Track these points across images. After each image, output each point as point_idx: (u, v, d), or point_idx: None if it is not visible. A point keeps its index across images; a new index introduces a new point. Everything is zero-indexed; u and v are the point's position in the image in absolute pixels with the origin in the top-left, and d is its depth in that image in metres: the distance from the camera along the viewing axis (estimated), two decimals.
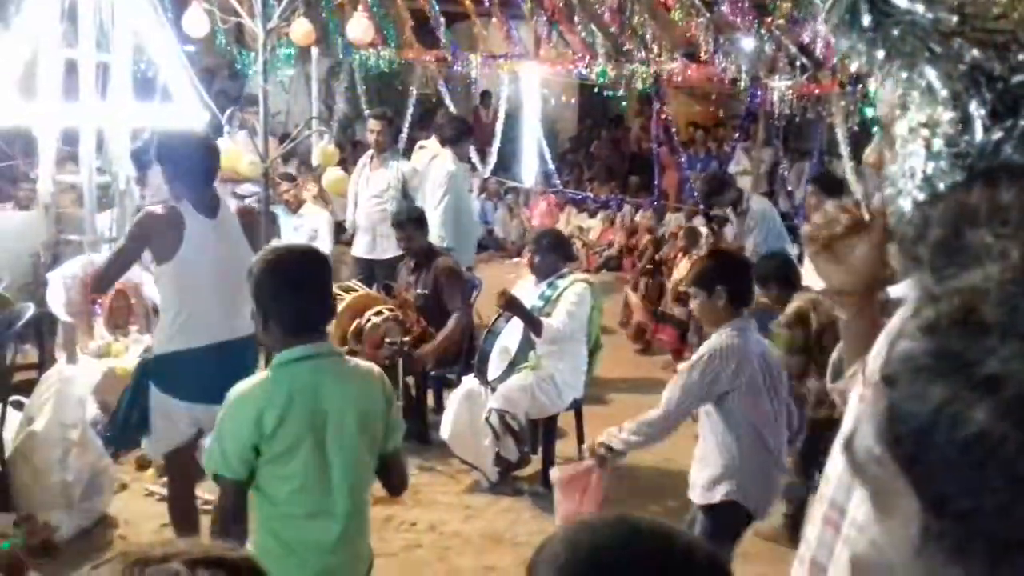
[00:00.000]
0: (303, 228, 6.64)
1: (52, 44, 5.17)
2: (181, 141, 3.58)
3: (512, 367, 4.62)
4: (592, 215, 11.43)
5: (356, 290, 5.20)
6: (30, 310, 4.40)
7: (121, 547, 3.33)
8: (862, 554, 0.92)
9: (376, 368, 2.44)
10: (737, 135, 11.12)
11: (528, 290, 4.76)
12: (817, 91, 8.61)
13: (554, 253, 4.79)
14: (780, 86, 8.70)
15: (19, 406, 4.16)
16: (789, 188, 10.77)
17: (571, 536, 0.93)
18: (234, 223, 3.50)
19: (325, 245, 6.43)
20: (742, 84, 8.96)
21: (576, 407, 4.84)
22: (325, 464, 2.22)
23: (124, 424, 3.51)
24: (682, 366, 3.25)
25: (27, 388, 4.30)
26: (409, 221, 5.32)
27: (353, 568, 2.37)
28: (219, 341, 3.39)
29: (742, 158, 11.01)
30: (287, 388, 2.19)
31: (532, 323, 4.49)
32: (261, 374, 2.28)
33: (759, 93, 9.26)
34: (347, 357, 2.41)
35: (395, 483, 2.47)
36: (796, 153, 11.43)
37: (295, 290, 2.25)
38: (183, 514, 3.56)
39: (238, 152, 5.93)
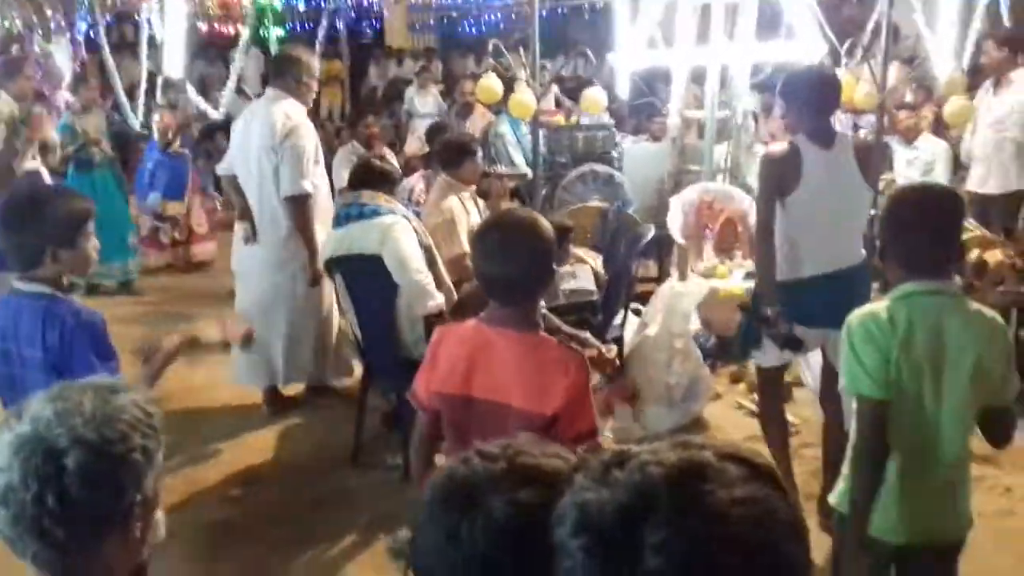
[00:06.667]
0: (918, 160, 6.28)
1: None
2: (802, 77, 3.62)
3: None
4: None
5: (970, 230, 4.81)
6: (652, 230, 5.01)
7: None
8: None
9: (999, 318, 2.30)
10: None
11: None
12: None
13: None
14: None
15: (637, 312, 4.83)
16: None
17: None
18: (849, 155, 3.40)
19: (941, 178, 6.01)
20: None
21: None
22: (937, 400, 2.18)
23: (745, 337, 3.70)
24: None
25: (646, 297, 4.97)
26: None
27: (955, 521, 2.31)
28: (827, 272, 3.38)
29: None
30: (906, 316, 2.16)
31: None
32: (882, 302, 2.25)
33: None
34: (971, 301, 2.29)
35: (998, 434, 2.30)
36: None
37: (918, 229, 2.21)
38: (774, 428, 3.74)
39: (852, 82, 5.85)
